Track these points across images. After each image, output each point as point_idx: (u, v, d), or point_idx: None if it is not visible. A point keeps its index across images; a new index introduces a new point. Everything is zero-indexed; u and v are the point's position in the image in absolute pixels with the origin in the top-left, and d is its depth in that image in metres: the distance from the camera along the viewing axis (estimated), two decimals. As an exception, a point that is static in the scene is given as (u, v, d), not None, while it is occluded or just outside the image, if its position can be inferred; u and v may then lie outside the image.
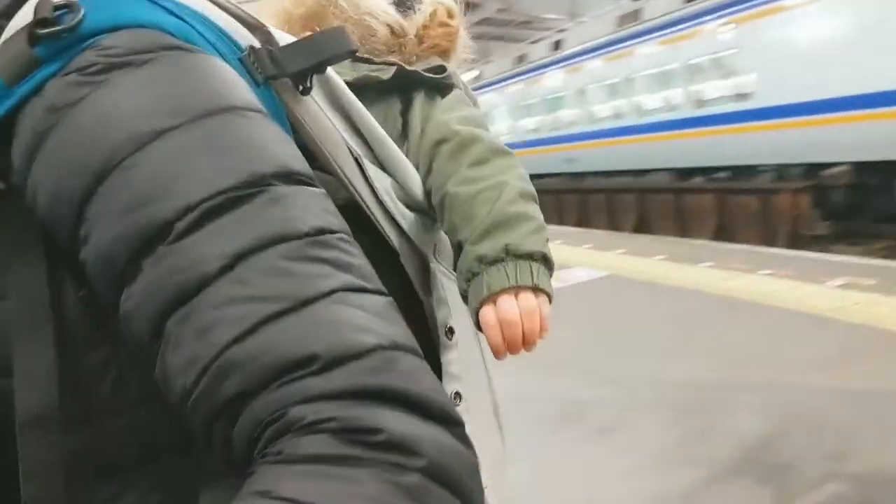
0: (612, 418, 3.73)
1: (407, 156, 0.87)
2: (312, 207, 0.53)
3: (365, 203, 0.77)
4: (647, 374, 4.32)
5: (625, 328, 5.38)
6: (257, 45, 0.65)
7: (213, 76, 0.56)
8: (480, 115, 0.95)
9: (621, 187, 14.27)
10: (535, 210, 0.87)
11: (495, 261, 0.82)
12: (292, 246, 0.49)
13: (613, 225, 13.62)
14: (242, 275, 0.47)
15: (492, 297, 0.81)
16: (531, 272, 0.82)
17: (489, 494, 0.90)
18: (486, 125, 0.94)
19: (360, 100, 0.80)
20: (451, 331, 0.85)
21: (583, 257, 8.54)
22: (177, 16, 0.58)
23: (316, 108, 0.73)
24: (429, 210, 0.88)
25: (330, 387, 0.45)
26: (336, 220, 0.54)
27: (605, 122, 14.94)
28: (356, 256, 0.53)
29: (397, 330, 0.50)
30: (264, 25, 0.68)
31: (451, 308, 0.86)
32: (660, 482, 3.01)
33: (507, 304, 0.81)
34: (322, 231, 0.52)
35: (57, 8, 0.53)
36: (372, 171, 0.79)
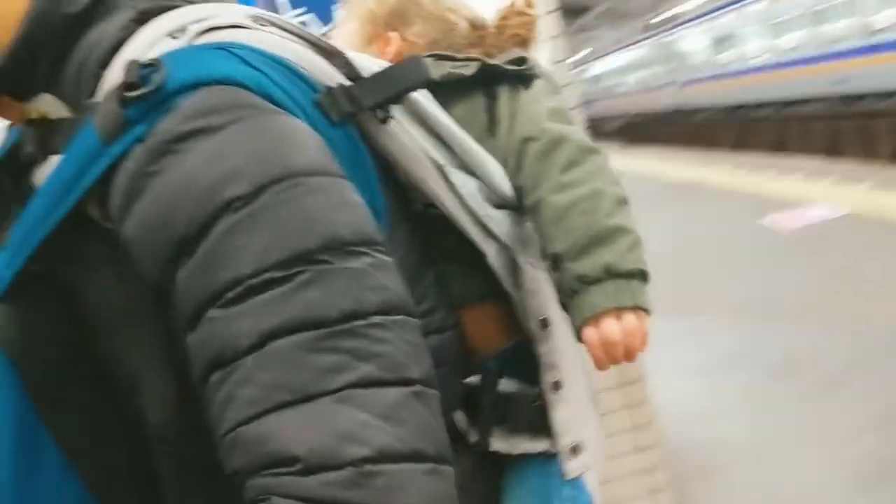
0: (836, 372, 3.49)
1: (494, 152, 0.89)
2: (350, 287, 0.56)
3: (449, 211, 0.82)
4: (879, 325, 3.96)
5: (860, 272, 4.93)
6: (336, 77, 0.69)
7: (282, 140, 0.60)
8: (566, 107, 0.95)
9: (876, 111, 12.62)
10: (630, 219, 0.86)
11: (596, 280, 0.83)
12: (314, 335, 0.54)
13: (866, 154, 12.18)
14: (265, 358, 0.54)
15: (594, 319, 0.83)
16: (632, 292, 0.83)
17: (589, 476, 0.93)
18: (571, 118, 0.94)
19: (444, 97, 0.84)
20: (545, 322, 0.87)
21: (824, 192, 7.85)
22: (252, 65, 0.62)
23: (396, 128, 0.76)
24: (517, 206, 0.90)
25: (304, 491, 0.51)
26: (375, 297, 0.57)
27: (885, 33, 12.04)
28: (386, 343, 0.56)
29: (399, 432, 0.53)
30: (342, 52, 0.72)
31: (543, 298, 0.88)
32: (882, 445, 2.79)
33: (610, 326, 0.82)
34: (353, 316, 0.55)
35: (143, 66, 0.59)
36: (457, 177, 0.82)
